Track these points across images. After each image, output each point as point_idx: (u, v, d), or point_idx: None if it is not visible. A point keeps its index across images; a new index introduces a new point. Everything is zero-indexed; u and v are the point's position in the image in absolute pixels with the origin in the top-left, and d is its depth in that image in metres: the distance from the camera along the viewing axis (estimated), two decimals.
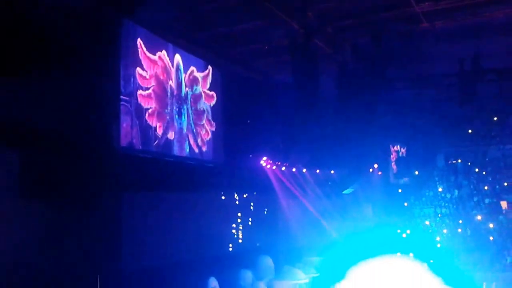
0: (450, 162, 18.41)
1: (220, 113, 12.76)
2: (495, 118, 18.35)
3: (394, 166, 18.29)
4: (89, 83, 8.96)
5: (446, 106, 16.83)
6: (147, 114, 10.17)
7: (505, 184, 17.38)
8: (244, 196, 13.51)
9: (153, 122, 10.33)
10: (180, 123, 11.16)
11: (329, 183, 15.87)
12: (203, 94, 12.17)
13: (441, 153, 18.29)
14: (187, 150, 11.38)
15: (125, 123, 9.67)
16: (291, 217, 14.73)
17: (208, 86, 12.41)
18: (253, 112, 13.46)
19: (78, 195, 8.91)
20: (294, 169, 14.63)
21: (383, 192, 17.33)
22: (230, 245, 13.07)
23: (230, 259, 12.82)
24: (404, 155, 18.75)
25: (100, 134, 9.19)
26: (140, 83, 10.04)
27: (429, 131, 17.19)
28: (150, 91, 10.30)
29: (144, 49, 10.17)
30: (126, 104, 9.71)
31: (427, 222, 17.18)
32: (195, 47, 12.16)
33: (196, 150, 11.69)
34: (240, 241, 13.50)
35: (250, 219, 13.89)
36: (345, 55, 13.66)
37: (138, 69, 9.97)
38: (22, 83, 8.52)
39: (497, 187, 17.53)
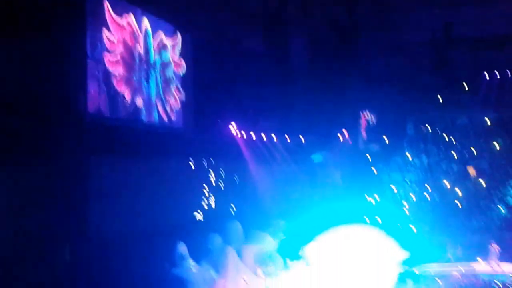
0: (419, 129, 18.64)
1: (190, 82, 12.75)
2: (465, 87, 18.56)
3: (363, 133, 18.47)
4: (54, 46, 8.85)
5: (418, 73, 16.98)
6: (115, 81, 10.12)
7: (473, 150, 17.73)
8: (213, 162, 13.65)
9: (121, 88, 10.31)
10: (149, 90, 11.14)
11: (299, 149, 16.03)
12: (172, 62, 12.12)
13: (411, 120, 18.49)
14: (156, 118, 11.40)
15: (93, 89, 9.63)
16: (260, 183, 14.94)
17: (177, 53, 12.35)
18: (224, 79, 13.46)
19: (43, 162, 8.91)
20: (263, 135, 14.75)
21: (352, 158, 17.53)
22: (199, 211, 13.27)
23: (199, 225, 13.03)
24: (374, 122, 18.90)
25: (66, 99, 9.15)
26: (108, 48, 9.93)
27: (399, 98, 17.33)
28: (118, 57, 10.22)
29: (111, 12, 10.03)
30: (93, 69, 9.63)
31: (394, 189, 17.52)
32: (165, 13, 12.01)
33: (165, 119, 11.72)
34: (212, 204, 13.71)
35: (220, 183, 14.08)
36: (318, 23, 13.63)
37: (106, 33, 9.87)
38: None
39: (466, 153, 17.87)
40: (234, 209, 14.45)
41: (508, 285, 12.37)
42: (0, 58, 8.53)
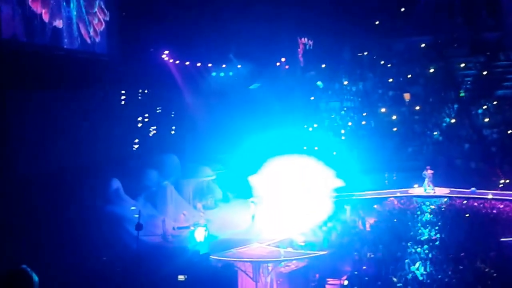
0: (356, 55, 18.58)
1: (116, 1, 11.83)
2: (402, 10, 18.51)
3: (301, 59, 18.22)
4: None
5: None
6: (30, 0, 9.23)
7: (409, 76, 17.90)
8: (146, 92, 13.06)
9: (38, 8, 9.44)
10: (69, 11, 10.27)
11: (236, 78, 15.59)
12: None
13: (348, 46, 18.36)
14: (78, 40, 10.56)
15: (5, 12, 8.80)
16: (196, 114, 14.50)
17: None
18: (154, 1, 12.62)
19: None
20: (198, 64, 14.18)
21: (290, 86, 17.31)
22: (134, 145, 12.77)
23: (134, 159, 12.54)
24: (312, 47, 18.62)
25: None
26: None
27: (336, 23, 17.04)
28: None
29: None
30: None
31: (332, 116, 17.55)
32: None
33: (88, 41, 10.91)
34: (148, 138, 13.24)
35: (158, 112, 13.61)
36: None
37: None
38: None
39: (401, 79, 18.03)
40: (172, 142, 14.02)
41: (442, 207, 12.84)
42: None
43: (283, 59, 16.56)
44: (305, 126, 16.78)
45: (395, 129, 17.10)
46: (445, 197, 13.46)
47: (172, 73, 13.44)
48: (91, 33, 10.89)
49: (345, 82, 18.13)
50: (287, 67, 17.38)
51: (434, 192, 13.71)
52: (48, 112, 9.93)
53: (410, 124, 17.41)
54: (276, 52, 16.33)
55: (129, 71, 11.88)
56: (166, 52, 12.92)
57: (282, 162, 13.20)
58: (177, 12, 12.81)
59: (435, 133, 17.05)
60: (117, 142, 12.01)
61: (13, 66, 9.00)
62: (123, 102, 12.14)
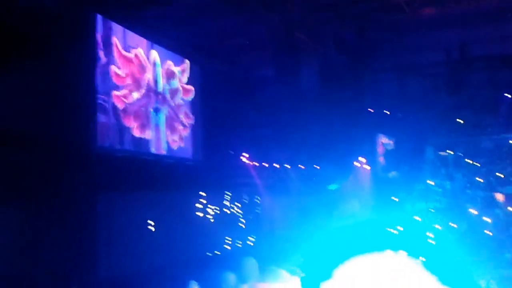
0: (440, 153, 18.80)
1: (199, 108, 13.33)
2: (485, 108, 18.81)
3: (381, 159, 18.70)
4: (64, 80, 9.41)
5: (435, 96, 17.30)
6: (123, 114, 10.61)
7: (501, 175, 17.77)
8: (226, 194, 14.00)
9: (130, 121, 10.81)
10: (157, 120, 11.69)
11: (314, 178, 16.28)
12: (180, 88, 12.75)
13: (431, 145, 18.70)
14: (165, 147, 11.92)
15: (102, 121, 10.09)
16: (275, 215, 15.21)
17: (185, 80, 13.01)
18: (234, 107, 13.95)
19: (52, 197, 9.46)
20: (277, 165, 15.08)
21: (371, 187, 17.73)
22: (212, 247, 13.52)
23: (212, 261, 13.31)
24: (392, 147, 19.12)
25: (76, 133, 9.72)
26: (116, 83, 10.46)
27: (417, 122, 17.59)
28: (126, 90, 10.76)
29: (120, 47, 10.68)
30: (103, 102, 10.13)
31: (418, 218, 17.58)
32: (173, 43, 12.66)
33: (174, 147, 12.28)
34: (226, 240, 13.93)
35: (237, 213, 14.35)
36: (328, 47, 14.13)
37: (113, 68, 10.42)
38: None
39: (492, 179, 17.91)
40: (249, 244, 14.71)
41: None
42: (3, 93, 9.03)
43: (362, 159, 17.15)
44: (389, 228, 16.89)
45: (490, 232, 16.85)
46: None
47: (250, 175, 14.40)
48: (177, 138, 12.19)
49: (431, 182, 18.26)
50: (367, 167, 17.89)
51: None
52: (133, 213, 10.95)
53: (507, 227, 17.10)
54: (355, 152, 17.00)
55: (211, 174, 12.95)
56: (246, 154, 14.00)
57: (363, 265, 13.34)
58: (256, 116, 13.97)
59: None
60: (196, 244, 12.84)
61: (104, 169, 10.06)
62: (203, 204, 13.10)
